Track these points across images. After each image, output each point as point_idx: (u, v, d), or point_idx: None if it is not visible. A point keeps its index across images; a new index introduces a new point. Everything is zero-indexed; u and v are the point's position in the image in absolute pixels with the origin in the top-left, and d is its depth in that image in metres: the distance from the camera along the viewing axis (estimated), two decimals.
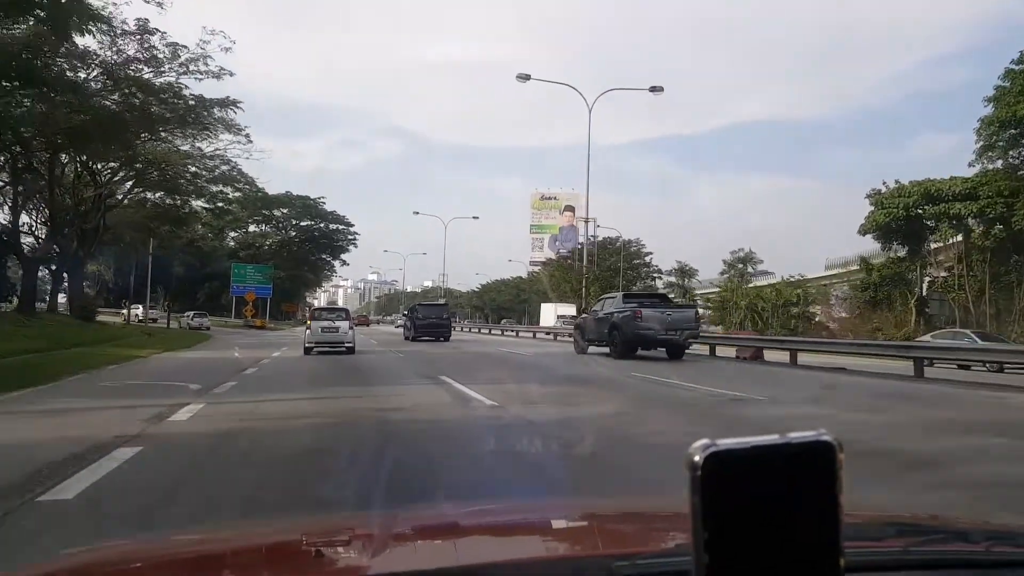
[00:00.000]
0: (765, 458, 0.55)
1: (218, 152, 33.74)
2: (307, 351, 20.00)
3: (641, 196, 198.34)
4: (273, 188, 69.81)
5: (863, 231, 37.57)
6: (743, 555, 0.54)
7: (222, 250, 77.78)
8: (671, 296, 37.05)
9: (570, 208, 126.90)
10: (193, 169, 34.75)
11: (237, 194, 36.55)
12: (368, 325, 76.18)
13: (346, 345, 20.36)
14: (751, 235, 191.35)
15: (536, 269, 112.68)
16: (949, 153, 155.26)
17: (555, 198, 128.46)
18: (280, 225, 76.88)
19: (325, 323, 20.97)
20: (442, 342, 28.54)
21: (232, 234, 75.83)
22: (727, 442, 0.55)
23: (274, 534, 1.63)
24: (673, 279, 57.01)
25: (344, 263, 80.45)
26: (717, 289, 54.51)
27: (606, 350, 20.16)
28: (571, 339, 24.85)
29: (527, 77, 33.25)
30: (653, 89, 34.18)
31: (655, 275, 66.16)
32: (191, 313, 52.87)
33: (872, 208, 36.77)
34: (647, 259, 65.51)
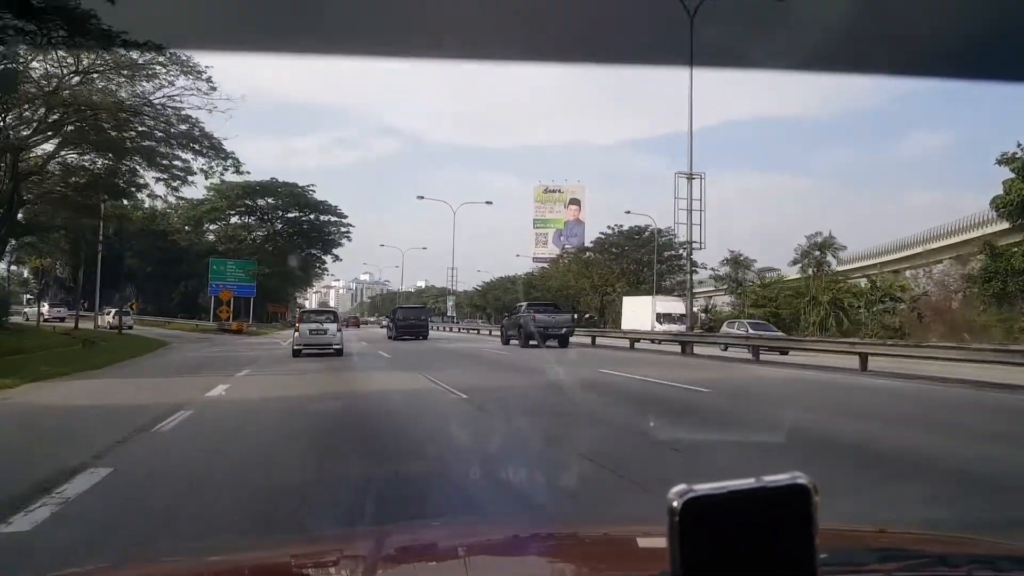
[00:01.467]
0: (742, 502, 0.55)
1: (171, 100, 25.04)
2: (296, 353, 20.12)
3: (637, 194, 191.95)
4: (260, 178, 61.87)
5: (998, 205, 29.37)
6: None
7: (200, 245, 68.83)
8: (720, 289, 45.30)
9: (575, 201, 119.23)
10: (141, 129, 26.03)
11: (199, 161, 27.68)
12: (359, 326, 74.77)
13: (334, 347, 20.48)
14: (747, 232, 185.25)
15: (542, 266, 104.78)
16: (942, 149, 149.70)
17: (559, 191, 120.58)
18: (265, 216, 68.01)
19: (313, 325, 21.02)
20: (421, 340, 32.68)
21: (211, 227, 66.83)
22: (704, 488, 0.56)
23: (263, 556, 1.62)
24: (726, 270, 48.26)
25: (336, 258, 71.82)
26: (771, 280, 46.22)
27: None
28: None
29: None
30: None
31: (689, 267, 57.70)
32: (112, 310, 42.60)
33: (1013, 176, 28.55)
34: (680, 250, 57.07)
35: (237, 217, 68.13)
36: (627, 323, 41.33)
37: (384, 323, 51.28)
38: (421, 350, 25.11)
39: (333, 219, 68.96)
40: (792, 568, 0.55)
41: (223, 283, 63.47)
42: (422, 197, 63.75)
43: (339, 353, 20.19)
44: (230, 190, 61.56)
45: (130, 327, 39.72)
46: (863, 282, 42.51)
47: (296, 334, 21.10)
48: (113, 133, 25.84)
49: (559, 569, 1.44)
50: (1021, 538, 2.72)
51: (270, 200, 66.75)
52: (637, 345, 27.69)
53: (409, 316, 35.66)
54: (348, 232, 70.23)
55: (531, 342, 26.45)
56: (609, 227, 59.38)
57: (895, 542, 1.56)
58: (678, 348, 24.26)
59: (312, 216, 68.89)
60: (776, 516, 0.56)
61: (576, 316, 31.40)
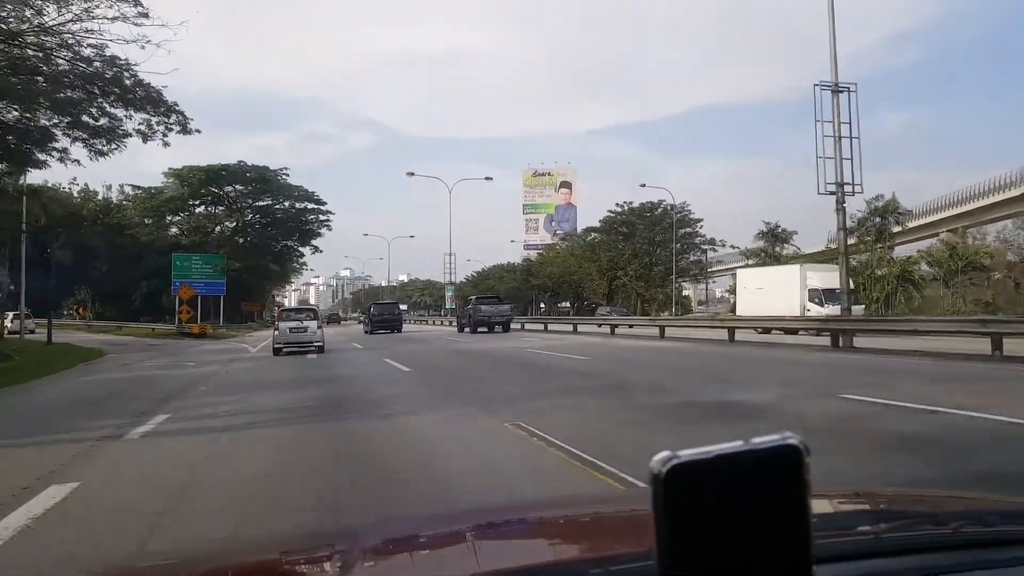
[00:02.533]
0: (729, 466, 0.53)
1: (86, 33, 18.39)
2: (276, 352, 19.89)
3: (612, 182, 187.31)
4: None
5: None
6: (711, 565, 0.52)
7: (163, 240, 61.60)
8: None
9: (566, 184, 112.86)
10: (47, 70, 19.24)
11: (135, 119, 20.95)
12: (340, 323, 72.67)
13: (315, 345, 20.44)
14: (724, 215, 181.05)
15: (539, 252, 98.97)
16: (901, 128, 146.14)
17: (549, 174, 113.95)
18: (234, 205, 60.86)
19: (293, 323, 20.71)
20: (395, 333, 33.77)
21: (173, 219, 59.60)
22: (689, 452, 0.53)
23: (254, 552, 1.63)
24: (759, 245, 41.98)
25: (316, 250, 64.80)
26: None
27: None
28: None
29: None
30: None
31: (706, 244, 51.77)
32: (11, 314, 34.63)
33: None
34: (698, 226, 51.19)
35: (203, 207, 60.91)
36: (746, 306, 28.69)
37: (361, 319, 53.50)
38: (390, 339, 28.19)
39: (311, 206, 62.04)
40: (785, 531, 0.53)
41: (188, 280, 56.58)
42: (412, 174, 56.90)
43: (320, 351, 20.03)
44: (191, 175, 54.49)
45: (31, 331, 32.78)
46: (918, 248, 36.91)
47: (276, 332, 20.79)
48: (13, 78, 19.16)
49: (549, 551, 1.42)
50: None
51: (239, 187, 59.68)
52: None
53: (383, 312, 37.33)
54: (328, 220, 63.41)
55: (480, 328, 31.17)
56: (618, 204, 53.35)
57: (883, 502, 1.59)
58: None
59: (287, 204, 61.90)
60: (766, 478, 0.53)
61: (512, 307, 36.34)
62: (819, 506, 0.66)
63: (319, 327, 20.92)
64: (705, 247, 51.13)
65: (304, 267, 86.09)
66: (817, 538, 0.55)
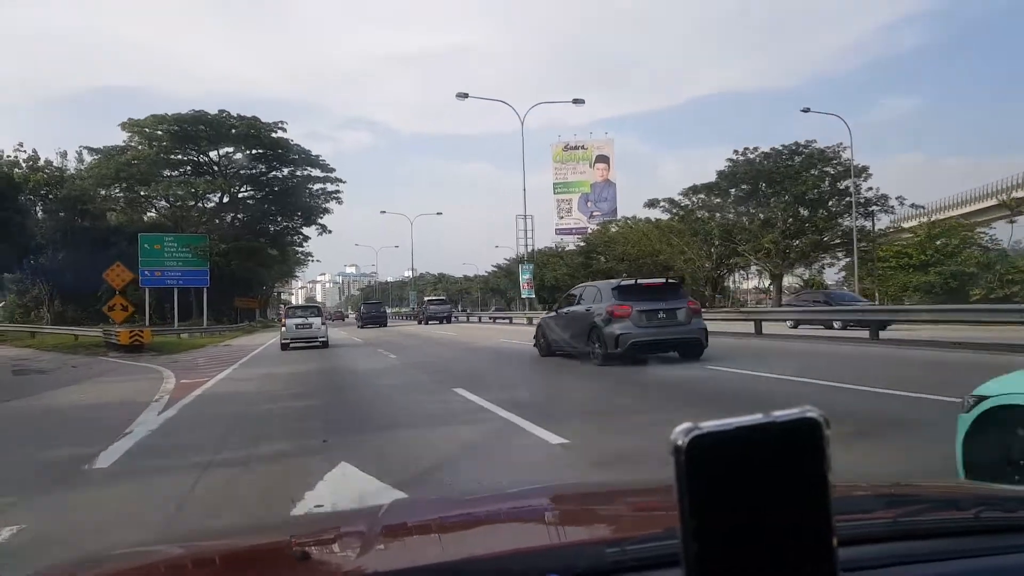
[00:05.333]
0: (750, 438, 0.53)
1: None
2: (284, 347, 20.79)
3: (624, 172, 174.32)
4: None
5: None
6: (732, 537, 0.52)
7: (138, 223, 47.46)
8: None
9: (603, 159, 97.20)
10: None
11: None
12: (344, 319, 72.97)
13: (320, 340, 21.24)
14: None
15: (564, 239, 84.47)
16: (910, 114, 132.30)
17: (582, 147, 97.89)
18: (222, 171, 46.60)
19: (299, 320, 21.59)
20: (380, 327, 40.22)
21: (145, 191, 45.19)
22: (710, 424, 0.53)
23: (260, 535, 1.63)
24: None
25: (323, 229, 50.47)
26: None
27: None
28: None
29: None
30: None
31: (876, 204, 36.49)
32: None
33: None
34: (865, 181, 36.00)
35: (179, 174, 46.60)
36: None
37: (354, 315, 62.75)
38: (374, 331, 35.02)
39: (316, 173, 47.85)
40: (806, 503, 0.53)
41: (162, 270, 42.61)
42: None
43: (324, 345, 21.02)
44: (157, 127, 40.33)
45: None
46: None
47: (283, 329, 21.64)
48: None
49: (564, 532, 1.40)
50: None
51: (228, 149, 45.44)
52: None
53: (371, 310, 45.34)
54: (338, 193, 49.25)
55: (431, 321, 45.19)
56: (736, 152, 38.97)
57: (902, 488, 1.58)
58: None
59: (286, 171, 47.71)
60: (787, 451, 0.53)
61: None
62: (838, 490, 0.57)
63: (323, 323, 21.95)
64: (874, 208, 36.02)
65: (309, 258, 72.03)
66: (837, 520, 0.54)
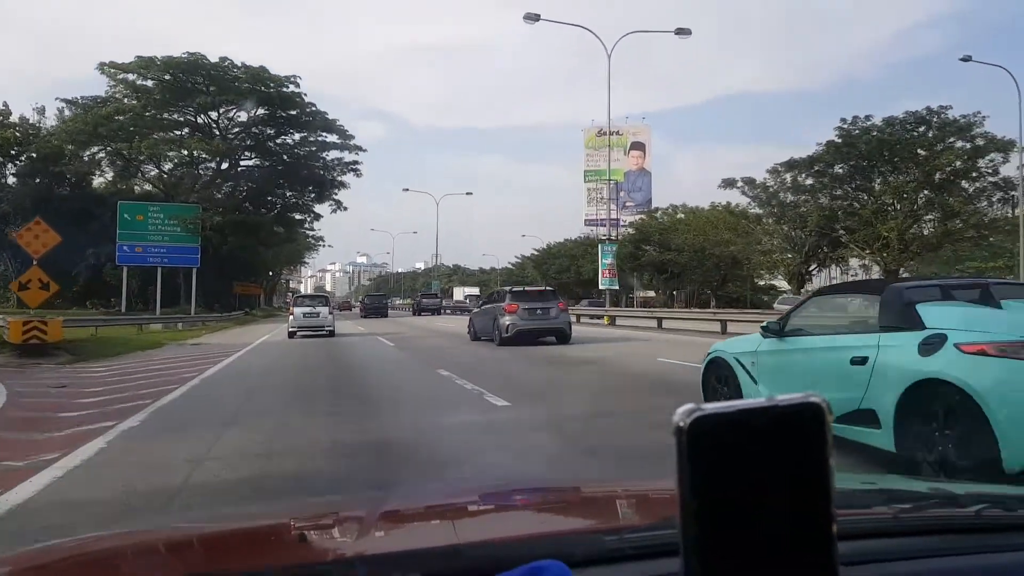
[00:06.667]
0: (752, 422, 0.52)
1: None
2: (291, 335, 20.66)
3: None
4: None
5: None
6: (731, 521, 0.51)
7: (126, 194, 40.44)
8: None
9: (639, 146, 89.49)
10: None
11: None
12: (351, 309, 70.64)
13: (327, 328, 21.24)
14: None
15: (594, 231, 77.26)
16: None
17: (617, 133, 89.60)
18: (223, 135, 39.38)
19: (307, 309, 21.51)
20: (381, 318, 40.20)
21: (127, 149, 37.91)
22: (712, 406, 0.52)
23: (260, 518, 1.63)
24: None
25: (338, 207, 43.13)
26: None
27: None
28: None
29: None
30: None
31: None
32: None
33: None
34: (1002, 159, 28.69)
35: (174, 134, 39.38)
36: None
37: (358, 306, 64.99)
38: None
39: (329, 140, 40.64)
40: (806, 488, 0.52)
41: (143, 244, 35.50)
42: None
43: (331, 334, 21.02)
44: (145, 72, 33.20)
45: None
46: None
47: (291, 318, 21.42)
48: None
49: (563, 521, 1.40)
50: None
51: (232, 109, 38.23)
52: None
53: (373, 302, 46.86)
54: (357, 164, 42.06)
55: (423, 313, 46.87)
56: (843, 121, 31.44)
57: (903, 484, 1.52)
58: None
59: (297, 136, 40.49)
60: (789, 435, 0.52)
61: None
62: (839, 485, 0.55)
63: (330, 313, 21.90)
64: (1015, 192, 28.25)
65: (321, 242, 64.96)
66: (837, 515, 0.53)
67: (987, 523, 1.05)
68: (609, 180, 38.84)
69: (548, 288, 18.58)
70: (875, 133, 30.50)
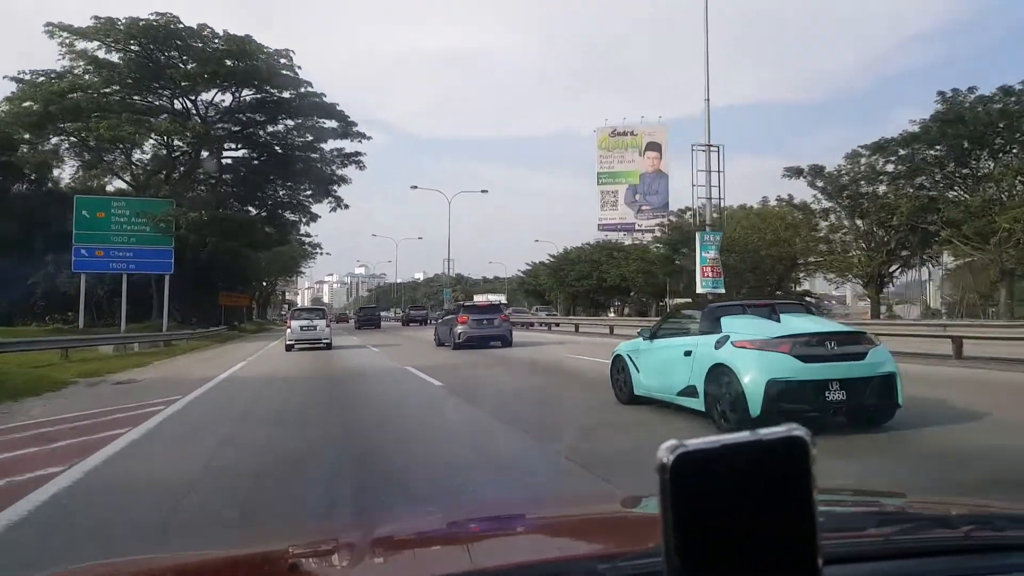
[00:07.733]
0: (736, 456, 0.52)
1: None
2: (288, 348, 20.78)
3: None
4: None
5: None
6: (715, 556, 0.51)
7: (97, 193, 34.64)
8: None
9: (654, 146, 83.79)
10: None
11: None
12: (347, 321, 68.64)
13: (324, 341, 21.42)
14: None
15: (609, 235, 72.35)
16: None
17: (632, 133, 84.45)
18: (201, 117, 33.56)
19: (304, 322, 21.58)
20: (375, 328, 43.14)
21: (81, 131, 31.95)
22: (696, 442, 0.52)
23: (255, 544, 1.61)
24: None
25: (338, 204, 37.40)
26: None
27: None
28: None
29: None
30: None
31: None
32: None
33: None
34: None
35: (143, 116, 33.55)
36: None
37: (353, 318, 66.44)
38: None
39: (328, 125, 35.00)
40: (791, 521, 0.51)
41: (104, 247, 29.70)
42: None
43: (328, 347, 21.14)
44: (105, 33, 27.52)
45: None
46: None
47: (288, 331, 21.50)
48: None
49: (557, 547, 1.39)
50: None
51: (214, 93, 32.62)
52: None
53: (366, 314, 49.17)
54: (360, 156, 36.44)
55: (411, 323, 51.54)
56: (940, 95, 25.90)
57: (893, 505, 1.53)
58: None
59: (290, 123, 34.84)
60: (772, 469, 0.51)
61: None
62: (828, 507, 0.65)
63: (327, 325, 22.03)
64: None
65: (318, 249, 59.41)
66: (826, 539, 0.53)
67: (977, 544, 1.04)
68: (708, 143, 32.54)
69: (493, 303, 25.34)
70: (993, 104, 24.98)
